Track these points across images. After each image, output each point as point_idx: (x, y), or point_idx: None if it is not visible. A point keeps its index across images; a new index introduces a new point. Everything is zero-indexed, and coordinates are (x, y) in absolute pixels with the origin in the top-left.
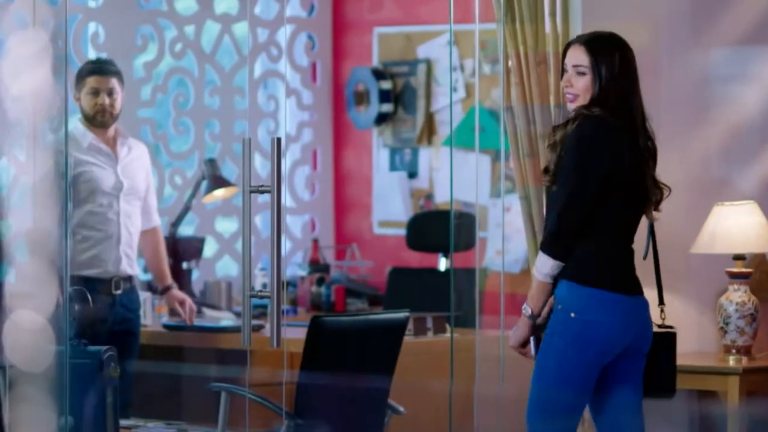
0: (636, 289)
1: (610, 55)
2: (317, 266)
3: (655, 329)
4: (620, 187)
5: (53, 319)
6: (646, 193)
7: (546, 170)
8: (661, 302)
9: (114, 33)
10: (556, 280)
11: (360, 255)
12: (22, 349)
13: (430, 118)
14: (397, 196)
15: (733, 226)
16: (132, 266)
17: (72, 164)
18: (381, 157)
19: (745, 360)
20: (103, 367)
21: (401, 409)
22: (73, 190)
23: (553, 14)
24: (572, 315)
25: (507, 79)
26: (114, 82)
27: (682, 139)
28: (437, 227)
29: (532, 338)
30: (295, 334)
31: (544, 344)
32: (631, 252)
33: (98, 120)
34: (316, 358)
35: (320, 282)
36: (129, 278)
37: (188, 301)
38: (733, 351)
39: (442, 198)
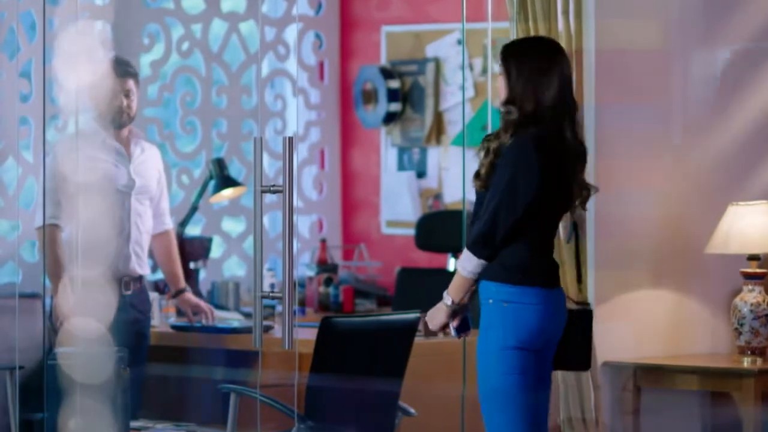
0: (557, 283)
1: (517, 57)
2: (325, 266)
3: (574, 306)
4: (548, 197)
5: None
6: (572, 196)
7: (477, 175)
8: (579, 281)
9: (121, 31)
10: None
11: (368, 255)
12: (81, 361)
13: (438, 118)
14: (406, 196)
15: (748, 227)
16: (142, 266)
17: (84, 161)
18: (389, 156)
19: (759, 361)
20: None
21: (412, 410)
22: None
23: (566, 12)
24: (505, 304)
25: None
26: (131, 83)
27: (695, 139)
28: (446, 227)
29: (451, 322)
30: (304, 335)
31: (481, 342)
32: (552, 247)
33: (115, 121)
34: (326, 359)
35: (328, 282)
36: (139, 278)
37: (203, 305)
38: (748, 352)
39: (450, 198)
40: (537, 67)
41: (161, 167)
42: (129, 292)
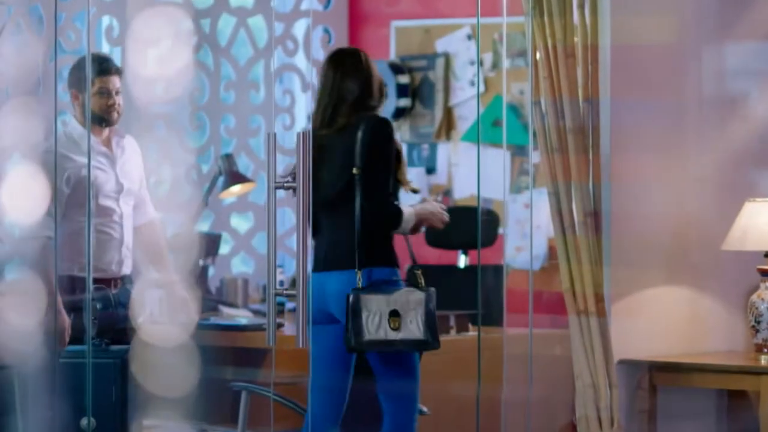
0: (320, 267)
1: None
2: None
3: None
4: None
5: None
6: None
7: (346, 165)
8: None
9: (128, 26)
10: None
11: None
12: (161, 373)
13: (448, 113)
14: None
15: (765, 223)
16: (129, 266)
17: (73, 167)
18: None
19: None
20: (125, 366)
21: (425, 409)
22: (75, 194)
23: (581, 7)
24: None
25: (535, 72)
26: (119, 80)
27: (712, 135)
28: (457, 224)
29: None
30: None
31: None
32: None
33: (106, 120)
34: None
35: None
36: (122, 277)
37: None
38: (765, 350)
39: (460, 194)
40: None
41: (139, 159)
42: (115, 291)
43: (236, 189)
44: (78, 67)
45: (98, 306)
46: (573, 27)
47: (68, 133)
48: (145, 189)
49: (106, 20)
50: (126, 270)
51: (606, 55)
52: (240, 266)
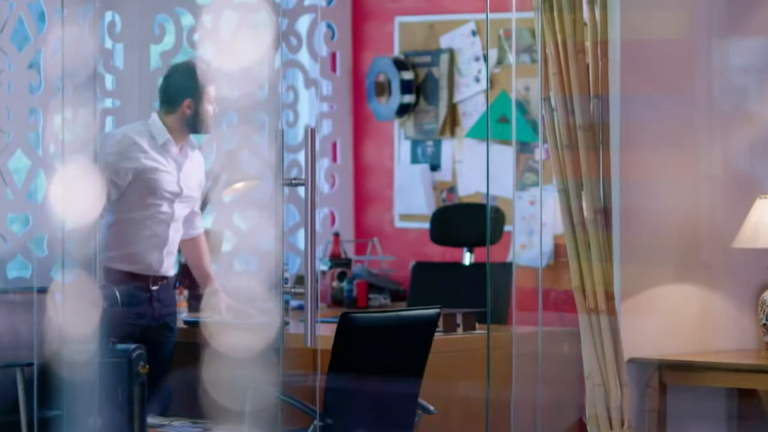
0: None
1: None
2: (339, 261)
3: None
4: None
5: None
6: None
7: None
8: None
9: (131, 22)
10: None
11: (381, 249)
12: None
13: (453, 109)
14: (419, 189)
15: None
16: (171, 268)
17: (140, 158)
18: (402, 149)
19: None
20: (131, 366)
21: (432, 408)
22: (134, 185)
23: (591, 2)
24: None
25: (545, 69)
26: (213, 90)
27: (722, 131)
28: (462, 221)
29: None
30: (320, 331)
31: None
32: None
33: (195, 127)
34: (345, 355)
35: (342, 277)
36: (164, 277)
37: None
38: None
39: (465, 191)
40: None
41: (203, 175)
42: (156, 288)
43: (239, 186)
44: (188, 74)
45: (104, 304)
46: (583, 23)
47: (148, 124)
48: (199, 199)
49: (108, 15)
50: (167, 271)
51: (616, 51)
52: (243, 264)
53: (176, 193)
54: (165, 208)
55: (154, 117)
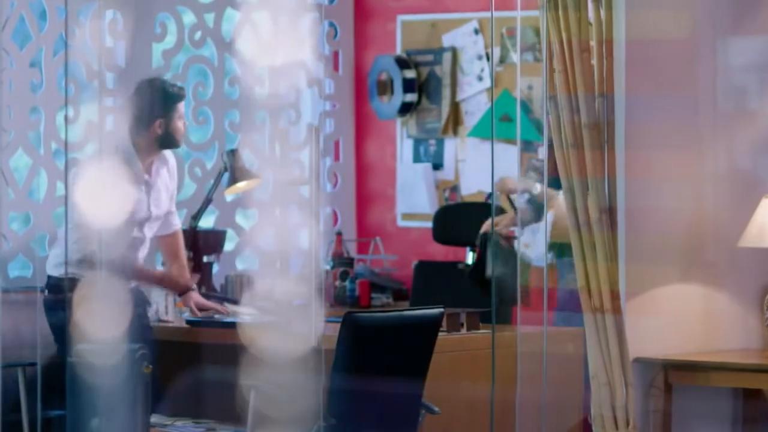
0: None
1: None
2: (341, 260)
3: None
4: None
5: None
6: None
7: None
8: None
9: (132, 20)
10: None
11: (383, 248)
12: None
13: (455, 108)
14: (422, 188)
15: None
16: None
17: (114, 194)
18: (405, 148)
19: None
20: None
21: (436, 408)
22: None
23: (596, 1)
24: None
25: (550, 67)
26: (182, 106)
27: (727, 130)
28: (465, 220)
29: None
30: (324, 330)
31: None
32: None
33: (178, 144)
34: (349, 355)
35: (344, 276)
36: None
37: (210, 304)
38: None
39: (467, 190)
40: None
41: (175, 183)
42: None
43: (242, 185)
44: (156, 93)
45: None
46: (588, 21)
47: (126, 153)
48: (173, 202)
49: (110, 14)
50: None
51: (621, 50)
52: (245, 263)
53: (146, 218)
54: (135, 233)
55: (129, 144)
